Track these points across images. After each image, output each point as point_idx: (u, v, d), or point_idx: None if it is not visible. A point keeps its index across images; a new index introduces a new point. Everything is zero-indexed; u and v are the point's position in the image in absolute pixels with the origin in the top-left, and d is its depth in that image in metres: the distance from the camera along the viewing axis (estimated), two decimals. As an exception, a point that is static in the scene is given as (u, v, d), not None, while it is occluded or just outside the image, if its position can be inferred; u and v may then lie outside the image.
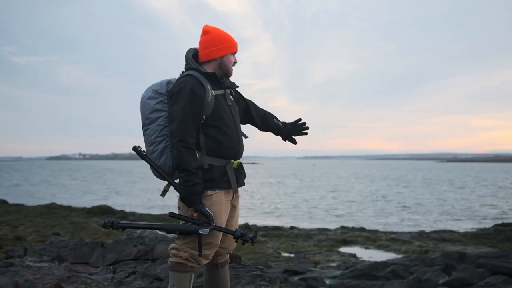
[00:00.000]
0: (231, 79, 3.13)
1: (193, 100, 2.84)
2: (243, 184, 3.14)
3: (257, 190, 44.12)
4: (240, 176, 3.08)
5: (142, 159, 2.96)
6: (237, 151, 3.04)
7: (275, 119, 3.38)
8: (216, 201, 2.93)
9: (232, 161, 3.00)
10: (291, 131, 3.41)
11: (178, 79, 2.97)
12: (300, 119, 3.43)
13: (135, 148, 2.97)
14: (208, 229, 2.81)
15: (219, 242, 2.99)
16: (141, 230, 5.30)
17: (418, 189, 46.73)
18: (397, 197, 37.24)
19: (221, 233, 2.98)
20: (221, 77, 3.04)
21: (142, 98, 3.01)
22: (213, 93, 2.94)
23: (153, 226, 2.98)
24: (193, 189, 2.78)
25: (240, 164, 3.09)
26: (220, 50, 3.01)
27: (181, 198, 2.86)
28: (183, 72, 3.03)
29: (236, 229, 3.05)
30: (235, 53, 3.09)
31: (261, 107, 3.39)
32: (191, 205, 2.82)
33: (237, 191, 3.07)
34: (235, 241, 3.03)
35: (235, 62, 3.08)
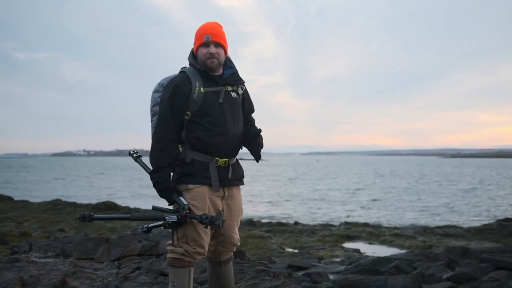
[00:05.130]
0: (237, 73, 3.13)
1: (174, 96, 2.91)
2: (233, 184, 3.06)
3: (267, 189, 43.96)
4: (226, 174, 3.00)
5: (135, 161, 3.19)
6: (222, 149, 2.96)
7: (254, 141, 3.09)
8: (198, 195, 2.93)
9: (217, 158, 2.96)
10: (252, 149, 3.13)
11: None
12: (260, 130, 3.13)
13: (129, 153, 3.22)
14: (176, 216, 2.86)
15: (206, 239, 2.96)
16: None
17: (444, 186, 45.45)
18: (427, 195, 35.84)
19: (209, 230, 2.96)
20: (211, 72, 3.01)
21: (152, 91, 3.14)
22: (202, 90, 2.93)
23: (123, 218, 3.14)
24: (156, 187, 2.90)
25: (228, 163, 3.01)
26: (194, 45, 3.05)
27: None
28: (184, 67, 3.13)
29: (204, 213, 2.88)
30: (205, 44, 2.96)
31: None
32: (164, 198, 2.95)
33: (218, 189, 2.96)
34: (205, 227, 2.90)
35: (211, 53, 2.95)
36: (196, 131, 2.94)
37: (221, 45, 3.00)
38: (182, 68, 3.09)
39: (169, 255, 2.99)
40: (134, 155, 3.19)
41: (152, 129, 3.06)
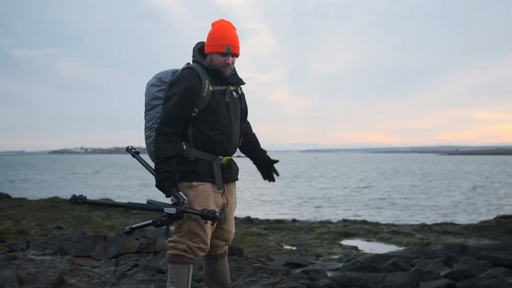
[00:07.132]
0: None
1: (187, 92, 2.89)
2: (235, 179, 3.17)
3: (267, 188, 43.69)
4: (229, 172, 3.08)
5: (133, 157, 3.21)
6: (227, 148, 3.03)
7: (258, 146, 3.34)
8: (202, 192, 2.95)
9: (221, 157, 3.01)
10: (263, 173, 3.34)
11: (181, 70, 3.03)
12: (277, 161, 3.32)
13: (127, 149, 3.25)
14: (174, 209, 2.82)
15: (208, 235, 2.98)
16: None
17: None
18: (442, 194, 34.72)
19: (210, 226, 2.98)
20: (222, 73, 3.03)
21: (147, 84, 3.10)
22: (210, 88, 2.95)
23: (118, 204, 3.15)
24: (162, 176, 2.81)
25: (231, 160, 3.11)
26: (209, 47, 3.01)
27: (156, 185, 2.88)
28: (188, 63, 3.08)
29: (204, 208, 2.92)
30: (224, 54, 2.96)
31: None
32: (163, 192, 2.86)
33: (221, 188, 3.03)
34: (204, 222, 2.93)
35: (227, 63, 2.98)
36: (203, 129, 2.95)
37: (237, 55, 3.04)
38: (187, 64, 3.06)
39: (170, 251, 2.98)
40: (132, 150, 3.19)
41: (147, 122, 3.04)
